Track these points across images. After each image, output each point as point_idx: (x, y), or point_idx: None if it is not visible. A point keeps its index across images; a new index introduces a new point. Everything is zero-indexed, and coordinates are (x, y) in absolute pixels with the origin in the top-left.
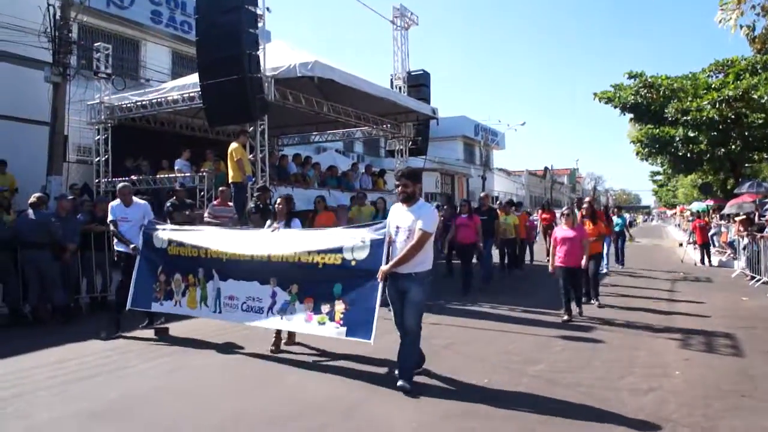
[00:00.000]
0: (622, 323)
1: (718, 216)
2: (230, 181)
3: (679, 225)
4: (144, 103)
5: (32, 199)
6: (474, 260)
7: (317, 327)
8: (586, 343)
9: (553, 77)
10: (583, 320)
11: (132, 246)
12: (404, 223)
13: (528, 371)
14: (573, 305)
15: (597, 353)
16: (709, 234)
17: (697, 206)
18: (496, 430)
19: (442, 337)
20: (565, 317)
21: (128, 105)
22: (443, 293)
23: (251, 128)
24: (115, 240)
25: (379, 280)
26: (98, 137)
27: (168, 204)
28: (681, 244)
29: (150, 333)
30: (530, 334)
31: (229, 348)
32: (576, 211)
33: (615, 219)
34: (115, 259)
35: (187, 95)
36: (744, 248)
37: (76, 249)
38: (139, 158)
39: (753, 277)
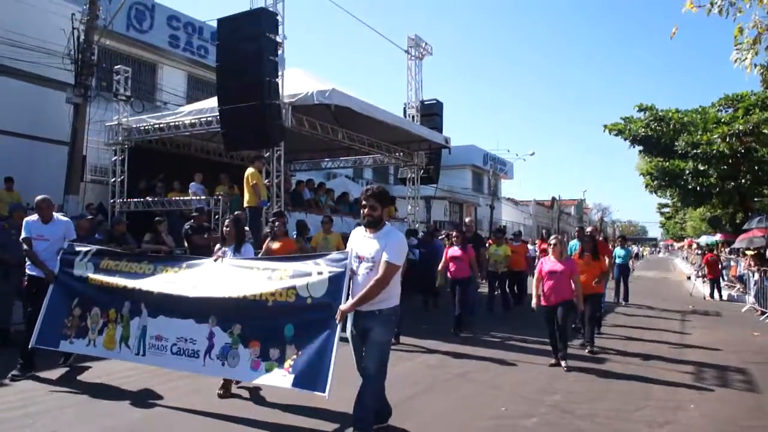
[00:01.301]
0: (634, 355)
1: (727, 250)
2: (245, 205)
3: (686, 258)
4: (161, 125)
5: None
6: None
7: (265, 376)
8: (600, 376)
9: (561, 108)
10: (596, 351)
11: (47, 271)
12: (367, 252)
13: (544, 401)
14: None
15: (611, 385)
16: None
17: (706, 239)
18: None
19: (456, 366)
20: (552, 361)
21: (146, 127)
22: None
23: (267, 154)
24: (28, 262)
25: (337, 321)
26: (115, 158)
27: (186, 227)
28: (689, 277)
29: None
30: (543, 364)
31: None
32: (570, 242)
33: (618, 250)
34: (24, 284)
35: (205, 119)
36: (754, 283)
37: None
38: (154, 179)
39: (763, 312)
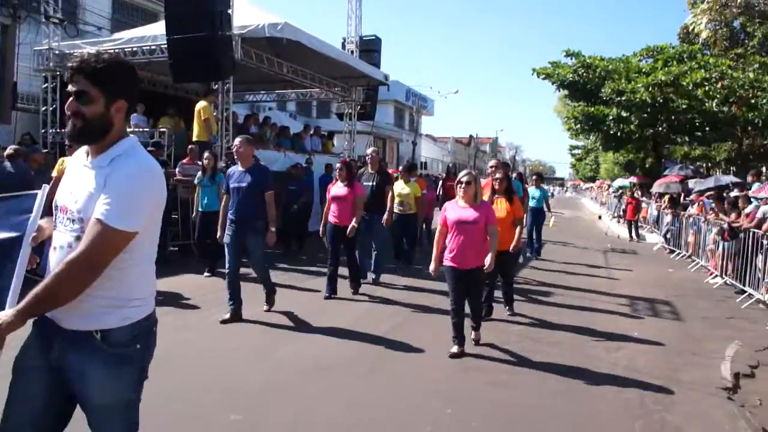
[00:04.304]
0: (573, 289)
1: (639, 192)
2: (195, 139)
3: (595, 198)
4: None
5: (9, 150)
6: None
7: None
8: (550, 307)
9: (483, 49)
10: (538, 285)
11: None
12: (73, 199)
13: (512, 330)
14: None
15: (562, 317)
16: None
17: (620, 182)
18: (494, 379)
19: (394, 313)
20: (455, 349)
21: (81, 54)
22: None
23: (216, 86)
24: None
25: None
26: (46, 85)
27: None
28: (600, 217)
29: None
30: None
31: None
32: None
33: (532, 190)
34: None
35: (147, 48)
36: (666, 224)
37: None
38: None
39: (672, 251)
